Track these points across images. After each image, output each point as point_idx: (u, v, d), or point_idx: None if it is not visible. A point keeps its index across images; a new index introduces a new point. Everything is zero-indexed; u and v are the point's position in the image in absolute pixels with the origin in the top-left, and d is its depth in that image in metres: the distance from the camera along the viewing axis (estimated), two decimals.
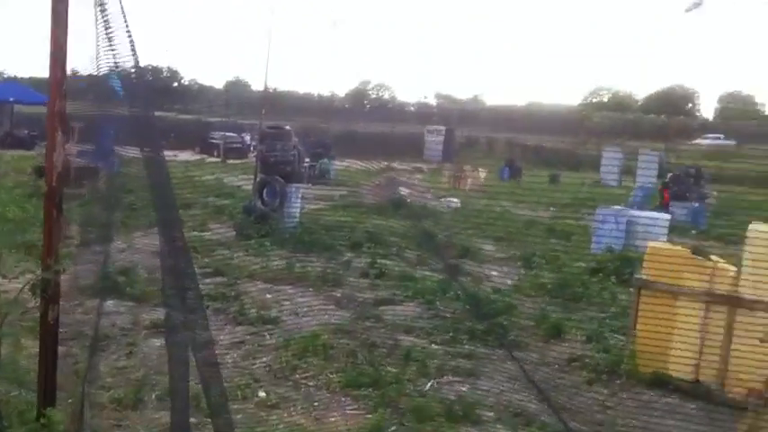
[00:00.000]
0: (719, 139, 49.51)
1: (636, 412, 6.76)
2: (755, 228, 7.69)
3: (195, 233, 12.85)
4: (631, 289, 8.53)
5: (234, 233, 13.94)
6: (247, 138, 35.98)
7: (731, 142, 47.08)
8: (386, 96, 69.31)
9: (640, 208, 18.82)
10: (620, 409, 6.86)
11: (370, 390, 6.69)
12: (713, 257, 8.01)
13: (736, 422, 6.37)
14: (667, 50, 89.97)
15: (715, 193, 23.38)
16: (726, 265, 7.77)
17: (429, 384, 7.02)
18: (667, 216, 16.54)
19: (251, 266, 11.12)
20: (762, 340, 6.61)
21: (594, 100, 76.81)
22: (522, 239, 15.69)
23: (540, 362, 8.07)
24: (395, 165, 31.27)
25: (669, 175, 24.07)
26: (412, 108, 64.32)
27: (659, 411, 6.79)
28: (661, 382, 7.46)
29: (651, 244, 8.69)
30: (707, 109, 79.24)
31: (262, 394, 6.51)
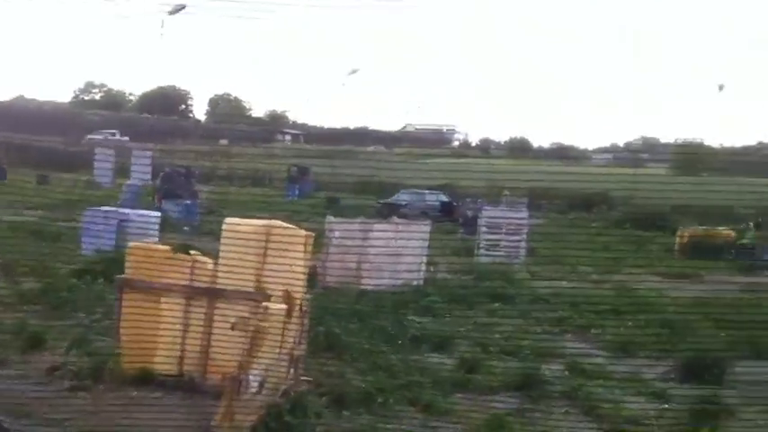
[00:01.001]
0: (114, 135, 51.42)
1: (119, 413, 6.71)
2: (228, 221, 8.25)
3: None
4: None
5: None
6: None
7: (125, 138, 49.59)
8: None
9: (132, 207, 18.81)
10: (104, 412, 6.74)
11: None
12: (193, 252, 8.32)
13: (213, 407, 6.69)
14: (162, 51, 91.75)
15: (206, 190, 24.70)
16: (204, 259, 8.14)
17: None
18: (157, 214, 16.87)
19: None
20: (233, 327, 7.04)
21: (86, 97, 74.44)
22: (4, 245, 14.44)
23: (17, 377, 7.50)
24: None
25: (160, 174, 24.61)
26: None
27: (142, 408, 6.83)
28: (147, 380, 7.53)
29: (132, 244, 8.73)
30: (199, 110, 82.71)
31: None
